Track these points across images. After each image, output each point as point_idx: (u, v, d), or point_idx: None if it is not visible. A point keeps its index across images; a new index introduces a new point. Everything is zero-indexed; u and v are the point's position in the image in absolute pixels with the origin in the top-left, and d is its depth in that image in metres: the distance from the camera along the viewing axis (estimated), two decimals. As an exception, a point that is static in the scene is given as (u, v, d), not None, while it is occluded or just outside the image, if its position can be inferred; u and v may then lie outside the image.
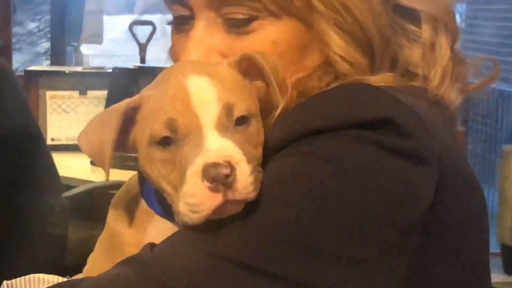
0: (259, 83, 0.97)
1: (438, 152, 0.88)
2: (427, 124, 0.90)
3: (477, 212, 0.96)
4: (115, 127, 0.93)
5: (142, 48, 4.03)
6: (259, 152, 0.92)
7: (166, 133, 0.88)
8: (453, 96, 1.03)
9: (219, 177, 0.83)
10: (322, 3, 1.00)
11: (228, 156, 0.84)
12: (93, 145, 0.97)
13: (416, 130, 0.87)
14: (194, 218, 0.86)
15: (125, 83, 3.73)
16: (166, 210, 0.96)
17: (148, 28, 4.07)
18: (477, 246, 0.97)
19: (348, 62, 1.01)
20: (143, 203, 1.01)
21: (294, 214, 0.87)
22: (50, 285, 1.03)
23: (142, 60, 3.96)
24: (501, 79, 5.45)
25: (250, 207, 0.88)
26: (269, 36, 1.01)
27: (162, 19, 4.10)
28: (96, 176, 3.16)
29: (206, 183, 0.84)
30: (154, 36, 4.08)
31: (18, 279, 1.08)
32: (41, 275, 1.08)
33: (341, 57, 1.01)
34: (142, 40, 4.04)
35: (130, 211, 1.04)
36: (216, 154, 0.85)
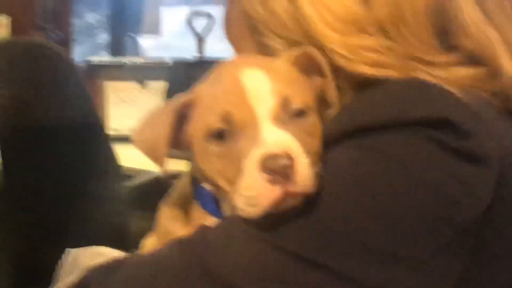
0: (317, 80, 0.97)
1: (498, 152, 0.86)
2: (487, 123, 0.88)
3: None
4: (169, 124, 0.94)
5: (200, 40, 3.97)
6: (317, 145, 0.91)
7: (221, 125, 0.88)
8: None
9: (278, 168, 0.83)
10: None
11: (287, 148, 0.84)
12: (147, 142, 0.98)
13: (475, 130, 0.85)
14: (251, 211, 0.86)
15: (185, 75, 3.76)
16: (220, 210, 0.99)
17: (207, 20, 4.04)
18: None
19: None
20: (196, 204, 1.03)
21: (349, 210, 0.86)
22: (107, 258, 1.05)
23: (200, 51, 3.92)
24: None
25: (309, 200, 0.87)
26: None
27: (220, 11, 4.10)
28: (156, 166, 3.17)
29: (265, 175, 0.83)
30: (213, 28, 4.01)
31: (81, 248, 1.10)
32: (102, 248, 1.10)
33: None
34: (201, 31, 4.01)
35: (183, 211, 1.06)
36: (274, 145, 0.84)
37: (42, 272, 2.67)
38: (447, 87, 0.93)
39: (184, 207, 1.05)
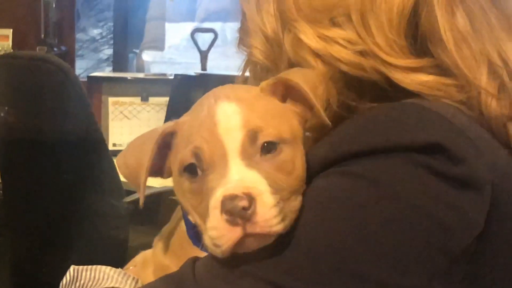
0: (301, 106, 0.97)
1: (491, 178, 0.87)
2: (480, 148, 0.89)
3: None
4: (151, 152, 0.94)
5: (203, 56, 4.02)
6: (292, 179, 0.90)
7: (192, 160, 0.89)
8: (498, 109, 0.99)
9: (235, 210, 0.83)
10: None
11: (248, 188, 0.84)
12: (130, 168, 0.99)
13: (468, 156, 0.86)
14: (217, 251, 0.87)
15: (187, 90, 3.79)
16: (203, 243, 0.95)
17: (210, 36, 4.06)
18: None
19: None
20: (184, 233, 1.03)
21: (338, 239, 0.87)
22: (111, 278, 1.06)
23: (203, 67, 3.96)
24: None
25: (293, 229, 0.88)
26: None
27: (223, 27, 4.10)
28: (156, 181, 3.19)
29: (224, 216, 0.84)
30: (215, 44, 4.05)
31: (84, 266, 1.07)
32: (105, 268, 1.07)
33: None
34: (203, 47, 4.04)
35: (175, 243, 1.07)
36: (235, 185, 0.84)
37: (42, 284, 2.78)
38: (441, 109, 0.93)
39: (177, 237, 1.07)
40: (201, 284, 0.89)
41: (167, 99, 3.92)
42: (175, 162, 0.93)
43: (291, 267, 0.85)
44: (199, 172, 0.88)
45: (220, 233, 0.84)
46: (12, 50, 3.78)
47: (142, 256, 1.14)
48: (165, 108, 3.92)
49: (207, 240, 0.87)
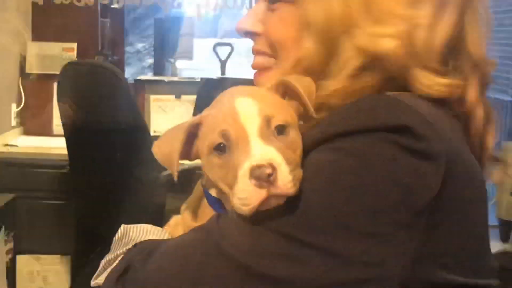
0: (295, 102, 0.96)
1: (445, 151, 0.88)
2: (437, 129, 0.89)
3: (477, 194, 0.95)
4: (181, 140, 0.93)
5: (223, 64, 4.12)
6: (297, 155, 0.90)
7: (221, 140, 0.88)
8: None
9: (263, 176, 0.83)
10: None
11: (270, 159, 0.84)
12: (164, 154, 0.96)
13: (427, 135, 0.87)
14: (245, 210, 0.86)
15: (210, 90, 3.77)
16: (223, 208, 0.97)
17: (227, 49, 4.13)
18: (478, 221, 0.96)
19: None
20: (206, 202, 1.02)
21: (328, 199, 0.87)
22: (153, 235, 1.05)
23: (222, 72, 4.09)
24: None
25: (295, 196, 0.87)
26: (287, 13, 1.03)
27: (238, 42, 4.20)
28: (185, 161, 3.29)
29: (253, 181, 0.83)
30: (231, 55, 4.15)
31: (132, 225, 1.07)
32: (149, 226, 1.07)
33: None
34: (223, 57, 4.12)
35: (197, 209, 1.05)
36: (260, 158, 0.84)
37: (101, 240, 2.82)
38: (406, 98, 0.93)
39: (199, 205, 1.05)
40: (224, 231, 0.89)
41: (194, 97, 3.96)
42: (203, 145, 0.91)
43: (296, 222, 0.86)
44: (227, 150, 0.88)
45: (249, 194, 0.84)
46: (76, 59, 3.82)
47: (174, 219, 1.12)
48: (193, 104, 3.97)
49: (235, 201, 0.87)
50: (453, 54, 0.98)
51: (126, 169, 3.09)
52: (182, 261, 0.89)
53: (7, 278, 3.18)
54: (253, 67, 1.09)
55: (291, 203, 0.85)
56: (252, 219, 0.87)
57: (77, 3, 3.37)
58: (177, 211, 1.11)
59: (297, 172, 0.86)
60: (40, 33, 3.91)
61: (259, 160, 0.83)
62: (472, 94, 0.99)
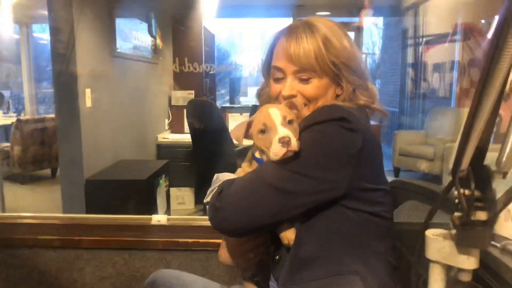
0: (296, 111, 0.92)
1: (362, 128, 0.87)
2: (360, 119, 0.89)
3: (376, 148, 0.91)
4: (244, 129, 0.92)
5: None
6: (297, 133, 0.88)
7: (263, 127, 0.88)
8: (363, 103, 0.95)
9: (285, 140, 0.83)
10: (344, 73, 0.93)
11: (287, 135, 0.84)
12: (236, 136, 0.92)
13: (355, 121, 0.86)
14: (276, 158, 0.85)
15: (255, 110, 3.75)
16: (263, 161, 0.94)
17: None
18: (378, 159, 0.93)
19: (343, 98, 0.95)
20: (253, 161, 0.97)
21: (311, 153, 0.85)
22: (229, 177, 0.97)
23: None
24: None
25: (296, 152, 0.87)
26: (315, 84, 0.94)
27: None
28: (246, 142, 2.94)
29: (280, 144, 0.83)
30: None
31: (220, 174, 0.99)
32: (227, 173, 0.99)
33: (344, 96, 0.95)
34: None
35: (250, 163, 0.98)
36: (283, 133, 0.84)
37: (207, 181, 2.90)
38: (348, 105, 0.92)
39: (250, 162, 0.97)
40: (262, 170, 0.88)
41: (248, 114, 4.06)
42: (254, 130, 0.90)
43: (295, 163, 0.83)
44: (265, 132, 0.87)
45: (279, 150, 0.83)
46: (194, 98, 3.98)
47: (240, 169, 1.01)
48: (248, 117, 3.28)
49: (271, 155, 0.85)
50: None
51: (218, 148, 3.15)
52: (246, 184, 0.88)
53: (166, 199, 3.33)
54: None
55: (295, 155, 0.84)
56: (277, 162, 0.85)
57: (194, 70, 3.42)
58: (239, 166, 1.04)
59: (298, 142, 0.86)
60: (177, 85, 4.09)
61: (283, 134, 0.84)
62: (375, 104, 0.97)
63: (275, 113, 0.88)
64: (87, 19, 2.52)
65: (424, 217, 0.84)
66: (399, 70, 5.38)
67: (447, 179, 4.31)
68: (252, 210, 0.85)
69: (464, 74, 4.66)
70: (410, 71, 5.26)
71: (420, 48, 5.04)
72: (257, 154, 0.95)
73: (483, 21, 4.40)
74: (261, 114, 0.90)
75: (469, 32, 4.56)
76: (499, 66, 0.48)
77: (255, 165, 0.95)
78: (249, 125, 0.92)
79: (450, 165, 0.61)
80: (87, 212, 2.33)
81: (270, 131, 0.87)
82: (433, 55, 5.06)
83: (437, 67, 5.07)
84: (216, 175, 0.99)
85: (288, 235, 0.90)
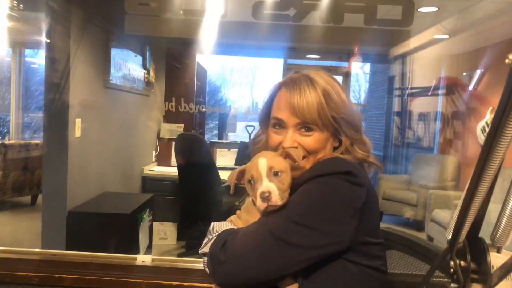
0: (291, 161, 0.91)
1: (367, 184, 0.88)
2: (363, 173, 0.90)
3: (375, 201, 0.92)
4: (235, 176, 0.92)
5: (249, 135, 4.07)
6: (285, 186, 0.86)
7: (250, 178, 0.87)
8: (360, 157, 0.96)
9: (264, 196, 0.83)
10: (343, 127, 0.94)
11: (269, 189, 0.84)
12: (229, 180, 0.93)
13: (360, 175, 0.87)
14: (260, 209, 0.85)
15: (243, 147, 3.93)
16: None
17: (252, 128, 4.11)
18: (376, 212, 0.93)
19: (342, 151, 0.96)
20: (253, 206, 0.93)
21: (314, 205, 0.84)
22: (227, 226, 0.94)
23: (249, 139, 3.56)
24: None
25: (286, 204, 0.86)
26: (316, 137, 0.94)
27: (257, 124, 4.18)
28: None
29: (260, 199, 0.83)
30: (255, 130, 3.75)
31: (217, 222, 0.95)
32: (224, 222, 0.96)
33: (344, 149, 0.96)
34: (250, 131, 4.06)
35: (249, 209, 0.94)
36: (264, 187, 0.84)
37: (191, 215, 2.89)
38: (347, 158, 0.93)
39: (249, 209, 0.93)
40: (270, 220, 0.85)
41: (236, 150, 4.06)
42: (246, 179, 0.89)
43: (300, 214, 0.82)
44: (252, 182, 0.87)
45: (260, 203, 0.83)
46: (183, 132, 3.96)
47: (231, 217, 0.98)
48: (236, 153, 4.03)
49: (256, 205, 0.86)
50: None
51: (205, 183, 3.17)
52: (253, 236, 0.85)
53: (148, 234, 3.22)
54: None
55: (300, 207, 0.83)
56: (283, 216, 0.83)
57: (189, 111, 3.29)
58: (228, 204, 1.06)
59: (285, 194, 0.86)
60: (167, 119, 4.01)
61: (263, 189, 0.85)
62: (370, 158, 0.98)
63: (263, 164, 0.87)
64: (83, 50, 2.54)
65: (402, 266, 0.90)
66: (384, 116, 5.48)
67: (429, 226, 4.38)
68: (260, 264, 0.81)
69: (447, 125, 4.77)
70: (395, 118, 5.34)
71: (406, 97, 5.12)
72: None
73: (464, 73, 4.55)
74: (252, 163, 0.90)
75: (453, 86, 4.71)
76: (497, 150, 0.51)
77: (254, 212, 0.93)
78: (241, 172, 0.92)
79: (448, 236, 0.61)
80: (67, 245, 2.32)
81: (256, 182, 0.87)
82: (418, 104, 5.18)
83: (422, 117, 5.18)
84: (212, 224, 0.96)
85: None
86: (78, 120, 2.43)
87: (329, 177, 0.85)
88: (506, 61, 0.46)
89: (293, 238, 0.81)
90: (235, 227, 0.94)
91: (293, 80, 0.95)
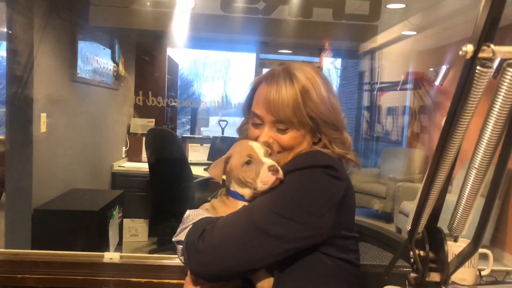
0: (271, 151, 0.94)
1: (346, 177, 0.89)
2: (342, 167, 0.91)
3: (352, 194, 0.93)
4: (223, 165, 0.91)
5: (222, 129, 4.11)
6: (281, 164, 0.90)
7: (248, 159, 0.87)
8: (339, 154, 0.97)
9: (275, 168, 0.83)
10: (321, 127, 0.94)
11: (275, 163, 0.85)
12: (215, 173, 0.91)
13: (340, 169, 0.88)
14: (265, 187, 0.85)
15: (216, 141, 3.96)
16: (242, 197, 0.92)
17: (225, 122, 4.18)
18: (353, 205, 0.94)
19: (321, 145, 0.95)
20: (230, 197, 0.94)
21: (295, 197, 0.84)
22: (202, 215, 0.93)
23: (222, 133, 4.14)
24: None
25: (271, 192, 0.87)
26: (292, 135, 0.94)
27: (230, 119, 4.12)
28: (206, 174, 3.22)
29: (270, 172, 0.83)
30: (227, 125, 4.16)
31: (192, 210, 0.95)
32: (199, 210, 0.95)
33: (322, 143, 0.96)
34: (222, 126, 4.12)
35: (223, 200, 0.94)
36: (271, 162, 0.85)
37: (162, 211, 2.89)
38: (327, 152, 0.93)
39: (225, 200, 0.94)
40: (250, 210, 0.85)
41: (209, 144, 4.03)
42: (236, 164, 0.89)
43: (283, 209, 0.82)
44: (251, 163, 0.87)
45: (269, 177, 0.83)
46: (154, 126, 3.87)
47: (205, 205, 0.98)
48: (208, 148, 4.01)
49: (260, 182, 0.85)
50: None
51: (177, 179, 3.16)
52: (233, 226, 0.84)
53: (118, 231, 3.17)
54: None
55: (282, 198, 0.83)
56: (265, 206, 0.83)
57: (157, 105, 3.10)
58: (201, 200, 1.02)
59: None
60: (137, 113, 3.96)
61: (271, 163, 0.86)
62: (349, 155, 0.98)
63: (258, 146, 0.89)
64: (48, 42, 2.47)
65: (371, 257, 0.91)
66: (355, 111, 5.55)
67: (398, 217, 4.51)
68: (239, 253, 0.81)
69: (414, 119, 4.89)
70: (365, 113, 5.39)
71: (375, 92, 5.19)
72: (234, 189, 0.92)
73: (431, 69, 4.67)
74: (242, 147, 0.90)
75: (420, 81, 4.82)
76: (454, 137, 0.53)
77: (231, 202, 0.92)
78: (226, 160, 0.92)
79: (408, 226, 0.61)
80: (33, 244, 2.26)
81: (256, 161, 0.87)
82: (387, 99, 5.27)
83: (391, 111, 5.28)
84: (188, 212, 0.95)
85: (266, 287, 0.86)
86: (43, 115, 2.37)
87: (310, 170, 0.86)
88: (460, 52, 0.47)
89: (274, 229, 0.81)
90: (211, 215, 0.93)
91: (273, 75, 0.94)
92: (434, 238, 0.62)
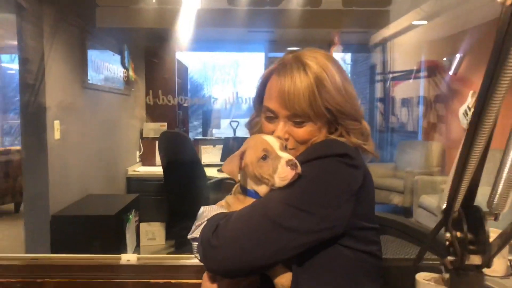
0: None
1: (363, 166, 0.88)
2: (359, 155, 0.89)
3: (371, 185, 0.90)
4: (238, 161, 0.88)
5: (234, 131, 4.10)
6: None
7: (264, 153, 0.85)
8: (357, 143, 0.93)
9: (294, 163, 0.81)
10: (338, 119, 0.91)
11: (292, 158, 0.83)
12: (230, 169, 0.88)
13: (357, 157, 0.86)
14: (283, 183, 0.82)
15: (228, 142, 3.98)
16: (257, 195, 0.90)
17: (236, 123, 4.16)
18: (372, 196, 0.91)
19: (338, 134, 0.92)
20: (244, 195, 0.91)
21: (312, 188, 0.82)
22: (217, 211, 0.90)
23: (234, 134, 4.10)
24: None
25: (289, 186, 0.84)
26: (309, 128, 0.91)
27: (241, 120, 4.10)
28: (220, 175, 3.32)
29: (289, 167, 0.81)
30: (238, 126, 4.16)
31: (206, 206, 0.92)
32: (214, 206, 0.93)
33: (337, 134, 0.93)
34: (234, 127, 4.10)
35: (239, 198, 0.92)
36: (288, 157, 0.83)
37: (179, 215, 2.89)
38: (343, 141, 0.90)
39: (240, 197, 0.92)
40: (264, 203, 0.83)
41: (221, 146, 4.04)
42: (252, 159, 0.86)
43: (299, 201, 0.79)
44: (268, 158, 0.84)
45: (288, 172, 0.81)
46: (166, 129, 3.96)
47: (221, 202, 0.96)
48: (221, 149, 4.01)
49: (278, 178, 0.83)
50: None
51: (191, 181, 3.17)
52: (248, 220, 0.82)
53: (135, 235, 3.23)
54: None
55: (297, 190, 0.82)
56: (280, 199, 0.81)
57: (168, 103, 3.22)
58: (215, 201, 0.98)
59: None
60: (150, 117, 4.03)
61: (289, 157, 0.84)
62: (367, 145, 0.94)
63: (273, 140, 0.86)
64: (58, 50, 2.49)
65: (393, 251, 0.84)
66: (368, 104, 5.47)
67: (417, 212, 4.40)
68: (255, 248, 0.78)
69: (430, 109, 4.80)
70: (379, 105, 5.32)
71: (388, 83, 5.12)
72: (250, 186, 0.90)
73: (444, 58, 4.54)
74: (256, 142, 0.87)
75: (434, 69, 4.71)
76: (489, 111, 0.48)
77: (245, 199, 0.90)
78: (241, 156, 0.89)
79: (443, 205, 0.58)
80: (52, 250, 2.26)
81: (273, 156, 0.84)
82: (401, 90, 5.18)
83: (405, 102, 5.20)
84: (202, 208, 0.93)
85: (284, 282, 0.84)
86: (56, 122, 2.39)
87: (325, 160, 0.84)
88: (499, 0, 0.43)
89: (289, 222, 0.79)
90: (226, 211, 0.91)
91: (284, 66, 0.91)
92: (472, 217, 0.56)
